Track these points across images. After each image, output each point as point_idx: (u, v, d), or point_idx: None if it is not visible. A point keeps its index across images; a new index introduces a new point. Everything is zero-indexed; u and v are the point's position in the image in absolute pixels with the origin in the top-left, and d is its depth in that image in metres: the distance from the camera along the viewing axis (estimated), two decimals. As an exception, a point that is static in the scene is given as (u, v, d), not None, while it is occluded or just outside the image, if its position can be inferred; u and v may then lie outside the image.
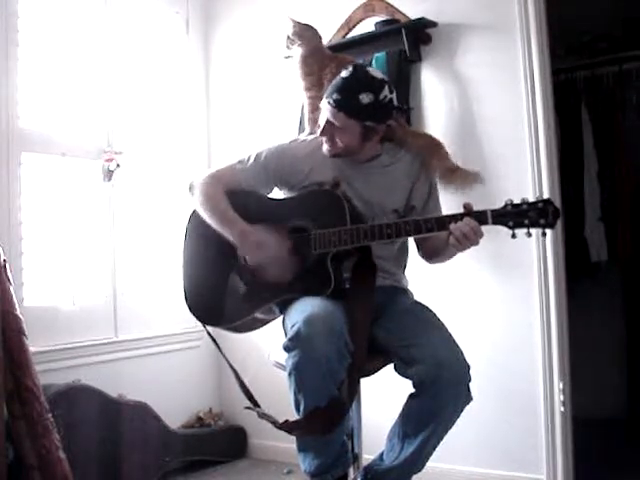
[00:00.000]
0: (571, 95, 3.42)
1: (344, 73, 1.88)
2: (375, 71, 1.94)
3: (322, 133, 1.92)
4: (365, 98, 1.84)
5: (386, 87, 1.88)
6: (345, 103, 1.85)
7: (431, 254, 2.02)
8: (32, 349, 2.20)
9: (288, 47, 2.41)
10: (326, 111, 1.90)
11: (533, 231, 1.70)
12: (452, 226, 1.72)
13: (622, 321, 3.55)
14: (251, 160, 2.04)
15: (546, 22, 2.53)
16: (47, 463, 2.09)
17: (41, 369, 2.26)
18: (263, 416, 1.85)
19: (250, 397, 1.97)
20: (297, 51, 2.36)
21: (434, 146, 2.08)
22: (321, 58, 2.31)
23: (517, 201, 1.71)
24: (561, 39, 3.25)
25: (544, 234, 1.73)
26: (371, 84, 1.86)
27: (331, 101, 1.86)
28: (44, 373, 2.31)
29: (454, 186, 2.05)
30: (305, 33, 2.36)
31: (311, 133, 2.14)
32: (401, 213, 1.95)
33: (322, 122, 1.92)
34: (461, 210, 1.75)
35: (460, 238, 1.72)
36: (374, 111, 1.86)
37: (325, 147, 1.96)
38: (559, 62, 3.25)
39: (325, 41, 2.94)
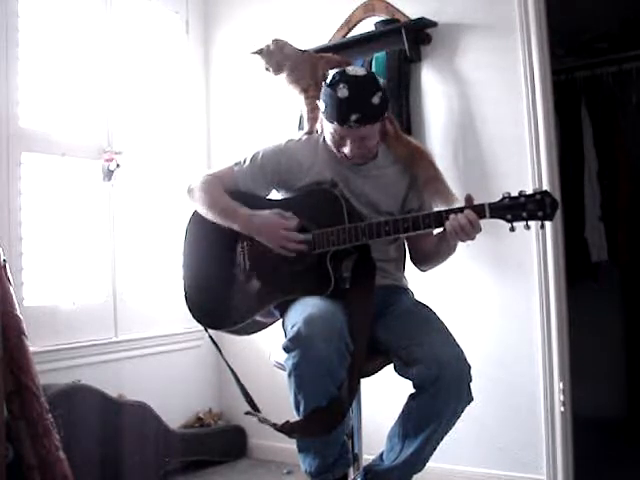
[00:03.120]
0: (571, 95, 3.42)
1: (340, 92, 1.80)
2: (358, 69, 1.91)
3: (354, 155, 1.89)
4: (376, 99, 1.82)
5: (376, 76, 1.89)
6: (368, 115, 1.82)
7: (424, 258, 2.01)
8: (32, 349, 2.19)
9: (267, 69, 2.33)
10: (348, 135, 1.84)
11: (532, 224, 1.69)
12: (451, 216, 1.72)
13: (622, 321, 3.55)
14: (247, 161, 2.03)
15: (546, 22, 2.53)
16: (47, 463, 2.09)
17: (41, 369, 2.26)
18: (263, 421, 1.85)
19: (251, 402, 1.96)
20: (279, 74, 2.30)
21: (417, 154, 2.02)
22: (309, 60, 2.27)
23: (514, 194, 1.69)
24: (561, 39, 3.25)
25: (542, 226, 1.71)
26: (371, 84, 1.85)
27: (352, 124, 1.81)
28: (44, 373, 2.31)
29: (427, 195, 1.98)
30: (284, 49, 2.28)
31: (309, 132, 2.13)
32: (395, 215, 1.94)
33: (346, 148, 1.87)
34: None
35: (457, 230, 1.70)
36: (385, 103, 1.86)
37: (356, 159, 1.92)
38: (559, 62, 3.25)
39: (325, 41, 2.95)
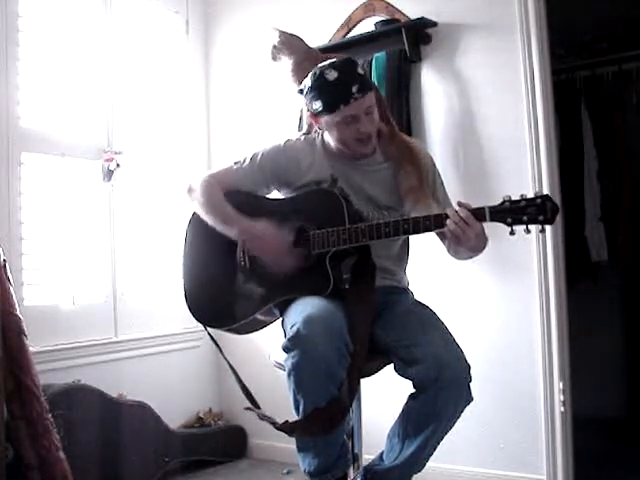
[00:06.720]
0: (571, 95, 3.42)
1: (330, 76, 1.83)
2: (327, 61, 1.93)
3: (369, 132, 1.90)
4: (360, 70, 1.87)
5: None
6: (364, 83, 1.85)
7: (454, 250, 1.94)
8: (32, 349, 2.20)
9: (274, 58, 2.37)
10: (357, 111, 1.84)
11: (532, 227, 1.68)
12: (448, 219, 1.71)
13: (622, 321, 3.56)
14: (247, 161, 2.04)
15: (546, 22, 2.53)
16: (47, 463, 2.09)
17: (41, 369, 2.26)
18: (263, 417, 1.85)
19: (251, 398, 1.97)
20: (286, 62, 2.32)
21: (405, 159, 2.00)
22: (315, 61, 2.29)
23: (515, 197, 1.69)
24: (561, 39, 3.25)
25: (543, 230, 1.70)
26: (349, 60, 1.90)
27: (356, 95, 1.82)
28: (44, 373, 2.31)
29: (410, 204, 1.94)
30: (293, 42, 2.32)
31: (307, 132, 2.14)
32: (397, 210, 1.94)
33: (362, 125, 1.87)
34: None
35: (453, 228, 1.68)
36: (366, 73, 1.95)
37: (368, 146, 1.93)
38: (559, 62, 3.25)
39: (325, 41, 2.96)
